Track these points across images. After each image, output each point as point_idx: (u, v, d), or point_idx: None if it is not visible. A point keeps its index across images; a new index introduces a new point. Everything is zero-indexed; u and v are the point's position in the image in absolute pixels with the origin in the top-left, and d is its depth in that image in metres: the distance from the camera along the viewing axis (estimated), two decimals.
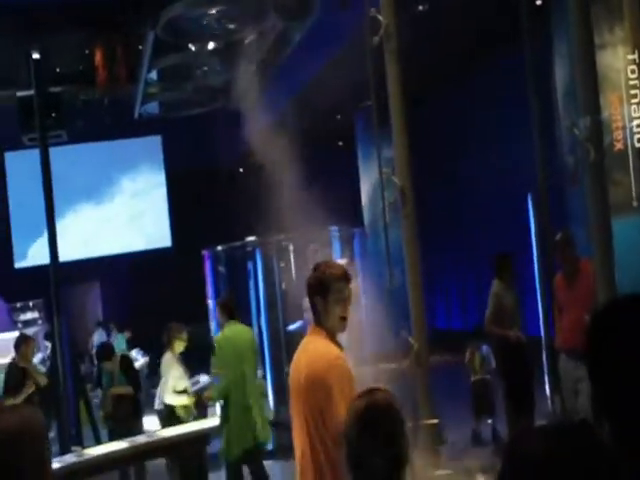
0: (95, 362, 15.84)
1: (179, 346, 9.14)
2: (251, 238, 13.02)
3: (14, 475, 1.87)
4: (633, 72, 8.14)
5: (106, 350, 10.05)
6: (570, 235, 7.84)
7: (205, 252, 13.57)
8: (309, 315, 4.87)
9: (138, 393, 9.71)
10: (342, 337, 4.23)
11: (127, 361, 9.85)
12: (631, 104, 8.08)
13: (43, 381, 9.58)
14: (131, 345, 17.65)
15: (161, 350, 9.36)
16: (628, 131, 8.06)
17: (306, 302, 5.85)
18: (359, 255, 13.27)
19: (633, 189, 7.73)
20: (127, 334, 18.24)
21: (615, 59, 8.52)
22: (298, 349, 4.16)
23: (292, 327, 12.82)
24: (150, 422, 11.09)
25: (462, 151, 17.75)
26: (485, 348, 9.66)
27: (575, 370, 7.19)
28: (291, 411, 4.10)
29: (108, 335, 18.90)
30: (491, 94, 15.69)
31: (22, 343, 9.66)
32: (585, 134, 5.57)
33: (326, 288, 4.01)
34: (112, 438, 8.99)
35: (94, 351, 18.58)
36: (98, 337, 19.04)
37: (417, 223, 6.42)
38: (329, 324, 4.03)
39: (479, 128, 16.69)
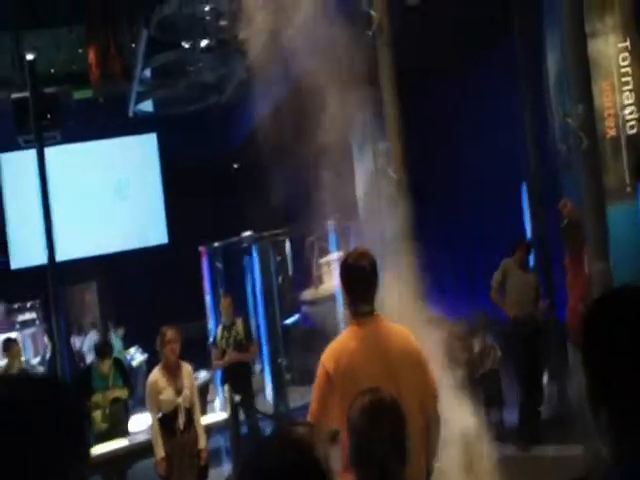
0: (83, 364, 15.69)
1: None
2: (247, 233, 13.05)
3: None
4: (624, 60, 8.17)
5: (106, 346, 9.88)
6: (577, 218, 7.82)
7: (202, 248, 13.59)
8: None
9: (131, 396, 9.63)
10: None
11: (122, 364, 9.78)
12: (623, 92, 8.11)
13: None
14: (126, 343, 17.54)
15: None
16: (620, 118, 8.09)
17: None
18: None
19: (626, 176, 7.76)
20: (120, 331, 18.12)
21: (606, 47, 8.53)
22: (367, 337, 4.15)
23: (288, 321, 12.83)
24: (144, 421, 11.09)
25: (457, 141, 17.75)
26: (488, 338, 9.45)
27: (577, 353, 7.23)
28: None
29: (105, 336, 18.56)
30: (484, 84, 15.69)
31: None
32: (577, 122, 5.62)
33: None
34: (103, 441, 8.67)
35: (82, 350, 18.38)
36: (89, 339, 18.62)
37: (412, 215, 6.46)
38: None
39: (473, 118, 16.70)
